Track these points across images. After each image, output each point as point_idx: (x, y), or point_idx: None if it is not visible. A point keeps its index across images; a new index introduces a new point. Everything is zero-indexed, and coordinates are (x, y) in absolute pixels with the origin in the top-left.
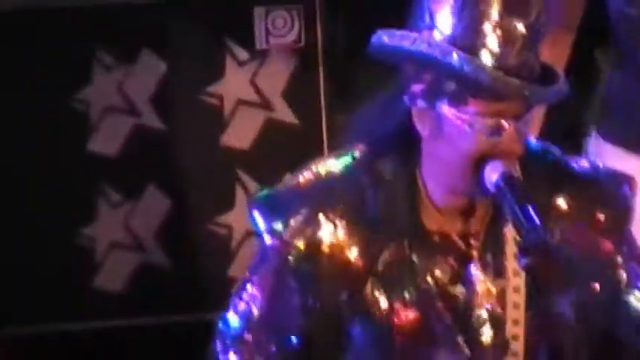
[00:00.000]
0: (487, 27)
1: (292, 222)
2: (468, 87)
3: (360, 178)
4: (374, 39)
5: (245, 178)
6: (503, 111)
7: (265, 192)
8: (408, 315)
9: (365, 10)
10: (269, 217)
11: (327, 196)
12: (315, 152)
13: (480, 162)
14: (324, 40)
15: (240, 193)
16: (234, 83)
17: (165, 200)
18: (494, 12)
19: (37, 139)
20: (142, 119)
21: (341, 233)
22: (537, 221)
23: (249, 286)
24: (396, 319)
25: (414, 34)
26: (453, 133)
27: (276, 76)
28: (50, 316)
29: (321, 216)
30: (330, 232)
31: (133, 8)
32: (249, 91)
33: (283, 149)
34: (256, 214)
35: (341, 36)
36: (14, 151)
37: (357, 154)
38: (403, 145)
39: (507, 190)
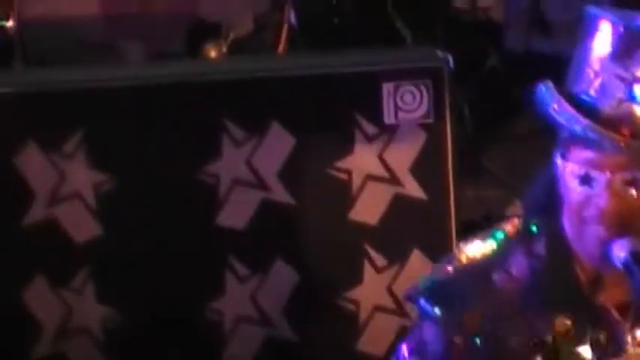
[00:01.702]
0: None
1: (458, 307)
2: (571, 137)
3: (515, 255)
4: (540, 90)
5: (373, 253)
6: (600, 162)
7: (428, 280)
8: None
9: (491, 88)
10: (439, 305)
11: (486, 278)
12: (442, 228)
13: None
14: (452, 115)
15: (368, 268)
16: (362, 158)
17: (292, 274)
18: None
19: (167, 211)
20: (271, 193)
21: (505, 313)
22: None
23: None
24: None
25: (554, 92)
26: (567, 189)
27: (404, 151)
28: None
29: (483, 298)
30: (494, 313)
31: (262, 82)
32: (377, 166)
33: (411, 224)
34: (423, 303)
35: (468, 112)
36: (144, 221)
37: (508, 231)
38: (555, 213)
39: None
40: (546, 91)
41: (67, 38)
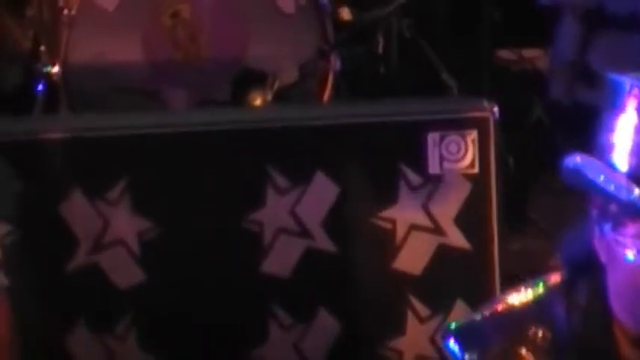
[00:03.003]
0: None
1: (488, 354)
2: (627, 210)
3: (553, 307)
4: (568, 162)
5: (416, 303)
6: None
7: (460, 322)
8: None
9: (536, 139)
10: (465, 347)
11: (521, 327)
12: (486, 279)
13: None
14: (498, 166)
15: (411, 319)
16: (407, 208)
17: (335, 324)
18: None
19: (210, 258)
20: (315, 242)
21: None
22: None
23: None
24: None
25: (606, 171)
26: (616, 258)
27: (449, 202)
28: None
29: (516, 348)
30: None
31: (307, 130)
32: (421, 216)
33: (455, 275)
34: (452, 344)
35: (513, 162)
36: (187, 269)
37: (549, 282)
38: (595, 271)
39: None
40: (585, 162)
41: (112, 85)
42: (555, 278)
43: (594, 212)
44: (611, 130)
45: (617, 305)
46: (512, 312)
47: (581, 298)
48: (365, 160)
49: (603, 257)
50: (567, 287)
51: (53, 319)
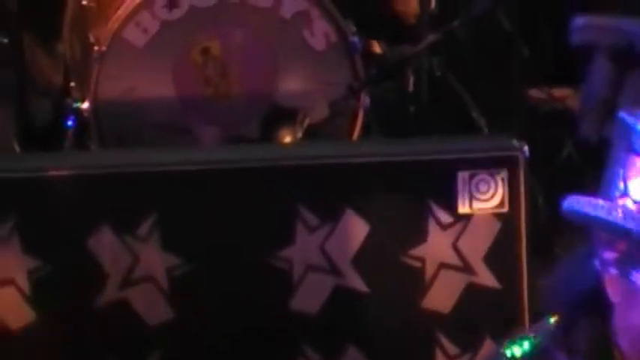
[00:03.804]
0: None
1: None
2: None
3: (554, 353)
4: (566, 205)
5: (445, 341)
6: None
7: None
8: None
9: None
10: None
11: None
12: (515, 318)
13: None
14: (527, 205)
15: (440, 357)
16: (436, 246)
17: None
18: None
19: (239, 295)
20: (344, 279)
21: None
22: None
23: None
24: None
25: (606, 203)
26: (635, 297)
27: (478, 240)
28: None
29: None
30: None
31: (337, 168)
32: (451, 255)
33: (484, 314)
34: None
35: (543, 201)
36: (216, 305)
37: (551, 329)
38: (596, 310)
39: None
40: (597, 204)
41: (143, 120)
42: (546, 326)
43: (611, 255)
44: (622, 166)
45: (630, 347)
46: None
47: (583, 342)
48: (395, 198)
49: (615, 297)
50: (565, 332)
51: (82, 356)
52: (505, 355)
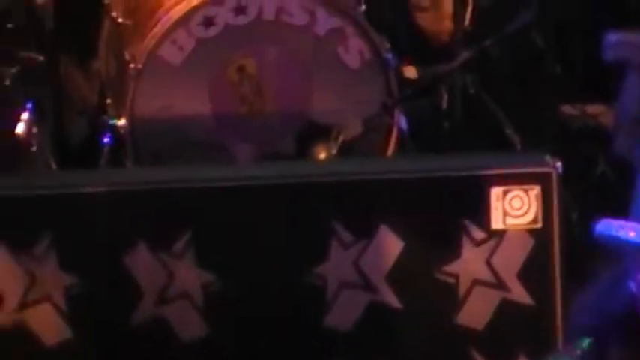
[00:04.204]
0: None
1: None
2: None
3: None
4: (598, 229)
5: (478, 358)
6: None
7: None
8: None
9: (600, 194)
10: None
11: None
12: (549, 335)
13: None
14: (561, 221)
15: None
16: (470, 263)
17: None
18: None
19: (274, 312)
20: (378, 296)
21: None
22: None
23: None
24: None
25: (638, 226)
26: None
27: (512, 257)
28: None
29: None
30: None
31: (371, 185)
32: (484, 271)
33: (517, 330)
34: None
35: (576, 219)
36: (250, 322)
37: (585, 348)
38: (630, 329)
39: None
40: (629, 228)
41: (178, 138)
42: (580, 348)
43: None
44: None
45: None
46: None
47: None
48: (428, 214)
49: None
50: (599, 355)
51: None
52: None
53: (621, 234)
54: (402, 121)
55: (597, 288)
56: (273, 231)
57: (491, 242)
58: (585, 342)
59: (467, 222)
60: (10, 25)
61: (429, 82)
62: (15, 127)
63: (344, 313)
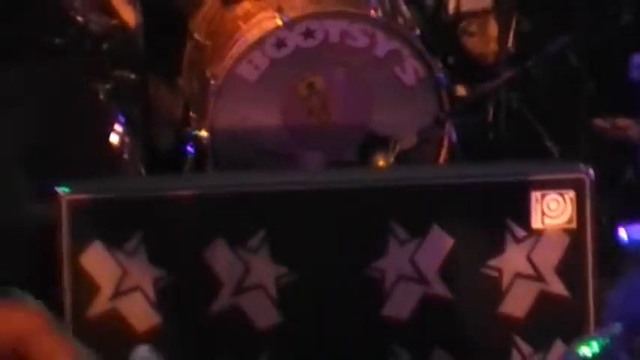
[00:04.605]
0: None
1: None
2: None
3: (618, 354)
4: (624, 234)
5: (521, 343)
6: None
7: None
8: None
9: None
10: None
11: None
12: (582, 322)
13: None
14: (593, 222)
15: (516, 356)
16: (512, 258)
17: None
18: None
19: (338, 302)
20: (431, 288)
21: None
22: None
23: None
24: None
25: None
26: None
27: (549, 253)
28: None
29: None
30: None
31: (425, 189)
32: (525, 266)
33: (554, 318)
34: None
35: (606, 220)
36: (318, 311)
37: (615, 333)
38: None
39: None
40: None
41: (253, 147)
42: (612, 329)
43: None
44: None
45: None
46: None
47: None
48: (476, 215)
49: None
50: (629, 338)
51: (198, 357)
52: (576, 354)
53: None
54: (452, 133)
55: (626, 286)
56: (338, 229)
57: (531, 240)
58: (617, 327)
59: (510, 222)
60: (105, 47)
61: (477, 99)
62: (109, 137)
63: (400, 304)
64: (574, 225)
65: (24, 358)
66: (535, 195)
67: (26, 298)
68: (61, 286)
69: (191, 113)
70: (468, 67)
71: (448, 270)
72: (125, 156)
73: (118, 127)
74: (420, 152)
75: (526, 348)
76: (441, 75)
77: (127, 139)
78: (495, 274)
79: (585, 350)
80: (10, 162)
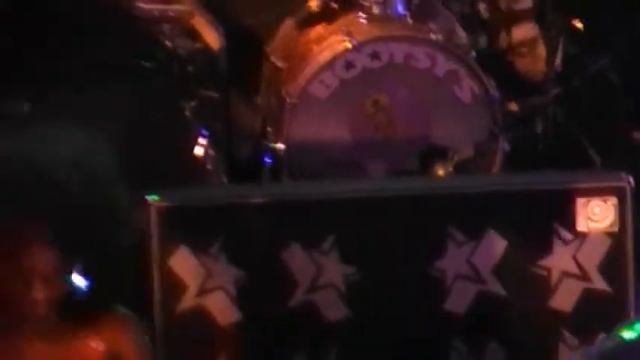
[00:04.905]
0: None
1: None
2: None
3: None
4: None
5: (568, 336)
6: None
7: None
8: None
9: None
10: None
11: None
12: (624, 316)
13: None
14: (633, 226)
15: (563, 349)
16: (560, 258)
17: (503, 353)
18: None
19: (402, 298)
20: (486, 286)
21: None
22: None
23: None
24: None
25: None
26: None
27: (593, 254)
28: None
29: None
30: None
31: (481, 196)
32: (571, 265)
33: (598, 313)
34: None
35: None
36: (384, 306)
37: None
38: None
39: None
40: None
41: (325, 158)
42: None
43: None
44: None
45: None
46: (622, 345)
47: None
48: (527, 219)
49: None
50: None
51: (276, 349)
52: (616, 336)
53: None
54: (505, 145)
55: None
56: (401, 232)
57: (577, 242)
58: None
59: (557, 225)
60: (191, 68)
61: (527, 114)
62: (194, 150)
63: (458, 300)
64: (616, 228)
65: None
66: (580, 201)
67: (130, 318)
68: (151, 285)
69: (268, 128)
70: (519, 85)
71: (502, 269)
72: (209, 167)
73: (202, 141)
74: (476, 163)
75: (572, 340)
76: (494, 93)
77: (210, 152)
78: (544, 273)
79: (627, 334)
80: (117, 174)
